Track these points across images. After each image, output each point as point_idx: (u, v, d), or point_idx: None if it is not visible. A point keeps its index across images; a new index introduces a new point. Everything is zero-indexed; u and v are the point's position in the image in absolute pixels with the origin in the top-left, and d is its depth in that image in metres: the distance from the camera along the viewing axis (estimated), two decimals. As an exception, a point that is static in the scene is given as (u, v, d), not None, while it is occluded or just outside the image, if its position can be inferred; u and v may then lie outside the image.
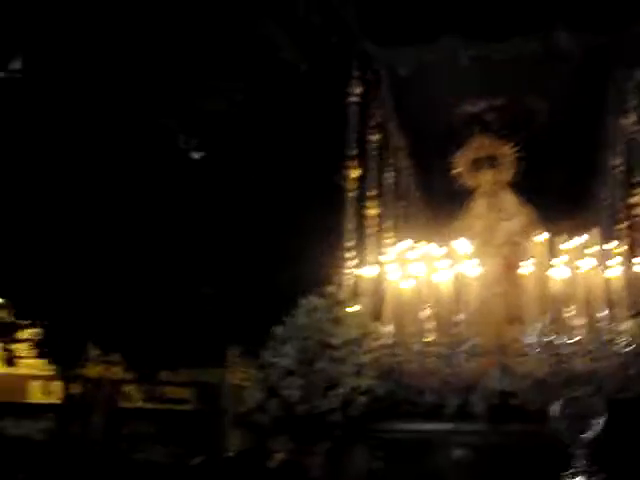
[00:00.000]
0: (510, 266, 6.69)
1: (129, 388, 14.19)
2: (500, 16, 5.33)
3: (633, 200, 5.52)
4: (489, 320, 6.34)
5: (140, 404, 14.34)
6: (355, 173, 5.44)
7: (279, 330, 4.84)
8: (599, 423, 3.50)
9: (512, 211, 6.69)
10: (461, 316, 5.11)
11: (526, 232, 6.71)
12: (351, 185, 5.42)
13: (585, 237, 5.87)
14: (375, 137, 6.07)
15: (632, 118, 5.73)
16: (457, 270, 5.43)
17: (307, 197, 7.25)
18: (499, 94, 6.72)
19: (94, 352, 11.93)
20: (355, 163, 5.46)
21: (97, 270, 8.59)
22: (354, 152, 5.48)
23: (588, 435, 3.46)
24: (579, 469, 3.48)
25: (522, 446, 4.31)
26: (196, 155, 7.91)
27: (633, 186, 5.57)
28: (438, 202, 7.15)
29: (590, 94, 6.35)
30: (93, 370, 13.02)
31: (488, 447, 4.38)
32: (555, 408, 3.62)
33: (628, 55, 5.65)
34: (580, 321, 5.04)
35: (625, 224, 6.17)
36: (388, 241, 6.48)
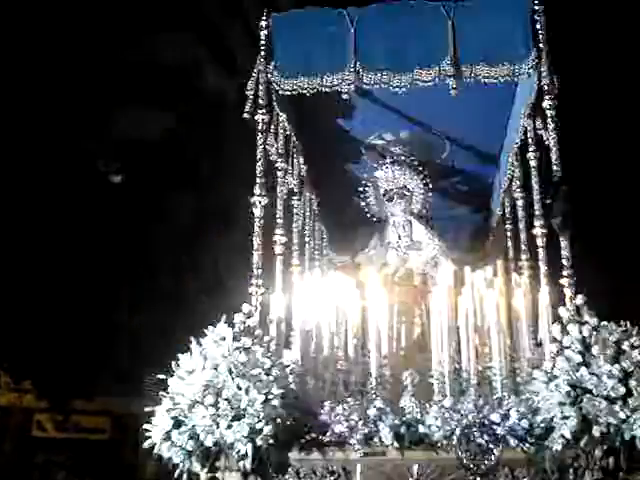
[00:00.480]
0: (419, 295, 6.85)
1: (41, 417, 13.70)
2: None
3: (534, 232, 5.66)
4: (398, 348, 6.47)
5: (53, 433, 13.86)
6: (262, 201, 5.40)
7: (186, 359, 4.74)
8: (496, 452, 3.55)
9: (422, 241, 6.81)
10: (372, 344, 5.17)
11: (435, 263, 6.91)
12: (259, 212, 5.37)
13: (489, 269, 6.08)
14: (282, 165, 6.07)
15: (533, 152, 5.89)
16: (365, 300, 5.49)
17: (219, 223, 7.19)
18: (405, 127, 6.86)
19: (5, 379, 11.49)
20: (262, 191, 5.42)
21: (7, 296, 8.27)
22: (261, 180, 5.45)
23: (486, 464, 3.50)
24: None
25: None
26: (116, 178, 7.76)
27: (534, 218, 5.71)
28: (347, 231, 7.23)
29: (490, 128, 6.56)
30: (4, 398, 12.52)
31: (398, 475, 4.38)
32: (455, 437, 3.65)
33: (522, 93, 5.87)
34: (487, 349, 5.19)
35: (526, 256, 6.37)
36: (296, 270, 6.50)
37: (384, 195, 6.93)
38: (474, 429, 4.36)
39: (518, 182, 6.49)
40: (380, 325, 5.22)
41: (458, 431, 4.42)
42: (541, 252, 5.62)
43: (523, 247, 6.36)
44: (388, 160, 6.88)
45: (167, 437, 4.47)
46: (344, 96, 5.66)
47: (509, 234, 6.98)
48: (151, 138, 7.30)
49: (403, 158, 6.90)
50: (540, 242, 5.66)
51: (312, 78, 5.53)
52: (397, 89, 5.47)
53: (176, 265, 7.90)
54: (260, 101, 5.55)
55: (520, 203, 6.46)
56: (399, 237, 6.87)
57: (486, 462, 3.51)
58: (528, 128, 5.81)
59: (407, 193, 6.89)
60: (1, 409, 12.90)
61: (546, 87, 5.34)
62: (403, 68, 5.52)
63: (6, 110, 7.39)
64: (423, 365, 6.13)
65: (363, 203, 6.96)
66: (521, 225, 6.47)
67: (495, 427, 4.39)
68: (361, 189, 6.94)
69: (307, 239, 6.88)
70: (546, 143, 5.30)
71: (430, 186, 6.88)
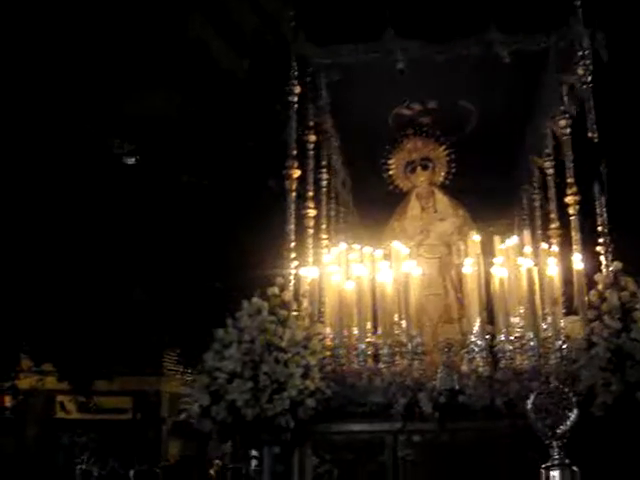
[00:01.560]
0: (444, 266, 6.81)
1: (64, 398, 13.73)
2: (437, 17, 5.37)
3: (567, 200, 5.62)
4: (425, 320, 6.44)
5: (76, 415, 13.91)
6: (295, 174, 5.36)
7: (221, 333, 4.72)
8: (571, 417, 3.53)
9: (446, 212, 6.76)
10: (402, 316, 5.14)
11: (460, 233, 6.85)
12: (291, 185, 5.34)
13: (516, 238, 6.03)
14: (311, 138, 6.02)
15: (563, 122, 5.83)
16: (397, 271, 5.44)
17: (247, 199, 7.15)
18: (433, 97, 6.80)
19: (26, 363, 11.52)
20: (295, 164, 5.38)
21: (26, 279, 8.25)
22: (294, 152, 5.41)
23: (561, 428, 3.49)
24: (555, 462, 3.50)
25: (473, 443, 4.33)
26: (130, 160, 7.72)
27: (567, 186, 5.66)
28: (372, 204, 7.18)
29: (521, 98, 6.47)
30: (26, 381, 12.56)
31: (438, 445, 4.38)
32: (529, 402, 3.64)
33: (558, 60, 5.78)
34: (520, 319, 5.15)
35: (556, 225, 6.32)
36: (325, 242, 6.48)
37: (407, 166, 6.88)
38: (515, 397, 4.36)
39: (547, 151, 6.46)
40: (412, 297, 5.19)
41: (499, 400, 4.42)
42: (574, 220, 5.62)
43: (552, 215, 6.33)
44: (411, 131, 6.83)
45: (206, 412, 4.46)
46: (399, 66, 5.58)
47: (536, 203, 6.95)
48: (165, 116, 7.25)
49: (426, 129, 6.86)
50: (572, 210, 5.66)
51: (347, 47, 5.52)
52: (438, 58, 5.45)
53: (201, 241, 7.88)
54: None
55: (550, 172, 6.42)
56: (422, 208, 6.83)
57: (562, 427, 3.49)
58: (562, 97, 5.78)
59: (430, 164, 6.85)
60: (23, 392, 12.96)
61: (582, 53, 5.32)
62: (445, 38, 5.46)
63: (18, 93, 7.34)
64: (449, 336, 6.20)
65: (386, 174, 6.93)
66: (550, 193, 6.45)
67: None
68: (385, 160, 6.89)
69: (333, 213, 6.86)
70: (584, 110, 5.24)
71: (453, 156, 6.83)
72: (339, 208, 6.99)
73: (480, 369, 4.72)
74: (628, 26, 6.00)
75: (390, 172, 6.94)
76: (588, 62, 5.40)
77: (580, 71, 5.39)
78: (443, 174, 6.88)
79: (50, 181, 7.74)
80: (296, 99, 5.55)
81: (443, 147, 6.84)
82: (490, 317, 5.36)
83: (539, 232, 6.82)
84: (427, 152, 6.85)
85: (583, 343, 4.43)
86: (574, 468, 3.53)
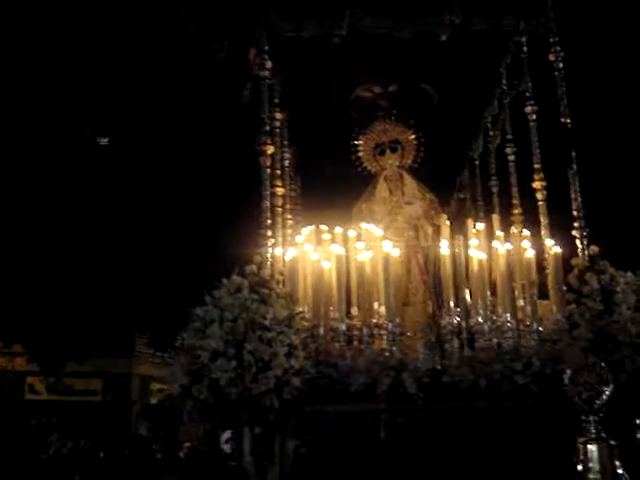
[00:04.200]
0: (411, 249, 6.81)
1: (33, 380, 13.41)
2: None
3: (535, 185, 5.69)
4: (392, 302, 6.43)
5: (46, 396, 13.58)
6: (269, 150, 5.25)
7: (201, 311, 4.59)
8: (607, 391, 3.56)
9: (414, 196, 6.75)
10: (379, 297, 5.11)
11: (427, 217, 6.87)
12: (265, 162, 5.22)
13: (481, 223, 6.08)
14: (278, 115, 5.92)
15: (529, 108, 5.89)
16: (373, 252, 5.41)
17: (221, 176, 6.99)
18: (393, 81, 6.79)
19: None
20: (268, 140, 5.27)
21: None
22: (267, 128, 5.30)
23: (597, 403, 3.51)
24: (592, 436, 3.52)
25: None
26: (103, 140, 7.45)
27: (534, 172, 5.73)
28: (338, 185, 7.12)
29: (482, 84, 6.52)
30: None
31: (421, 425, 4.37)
32: (566, 377, 3.65)
33: (526, 45, 5.84)
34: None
35: (519, 210, 6.39)
36: (290, 222, 6.41)
37: (376, 148, 6.85)
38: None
39: (509, 137, 6.52)
40: (386, 277, 5.16)
41: (483, 380, 4.44)
42: (541, 205, 5.70)
43: (515, 201, 6.39)
44: (381, 113, 6.80)
45: (187, 392, 4.33)
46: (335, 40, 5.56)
47: (494, 189, 7.01)
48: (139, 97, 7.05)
49: (395, 111, 6.84)
50: (540, 195, 5.73)
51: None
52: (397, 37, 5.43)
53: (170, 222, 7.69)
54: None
55: (512, 158, 6.48)
56: (390, 191, 6.81)
57: (598, 402, 3.51)
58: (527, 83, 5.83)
59: (399, 147, 6.83)
60: None
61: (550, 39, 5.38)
62: (405, 17, 5.45)
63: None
64: (415, 319, 6.22)
65: (354, 156, 6.89)
66: (512, 179, 6.51)
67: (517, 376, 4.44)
68: (353, 142, 6.84)
69: (294, 193, 6.79)
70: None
71: (422, 140, 6.83)
72: (302, 188, 6.93)
73: (463, 350, 4.75)
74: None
75: (359, 154, 6.93)
76: (559, 48, 5.47)
77: (551, 57, 5.44)
78: (411, 157, 6.89)
79: (21, 164, 7.44)
80: (267, 74, 5.44)
81: (412, 130, 6.86)
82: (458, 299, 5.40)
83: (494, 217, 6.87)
84: (396, 134, 6.84)
85: (564, 324, 4.49)
86: (612, 442, 3.56)
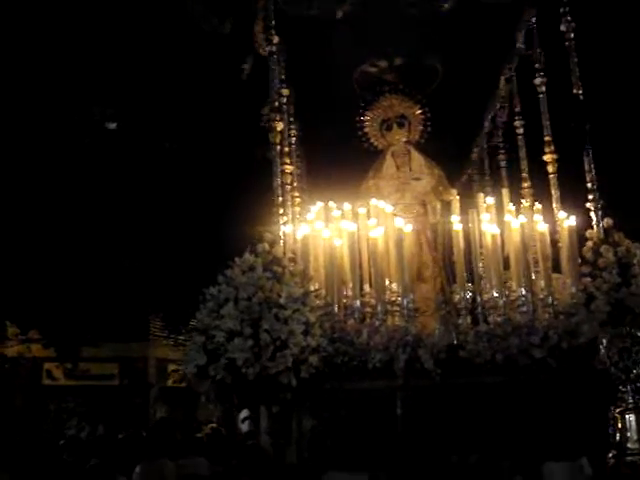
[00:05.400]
0: (420, 225, 6.76)
1: (51, 365, 13.48)
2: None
3: (546, 158, 5.65)
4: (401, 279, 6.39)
5: (63, 381, 13.65)
6: (279, 126, 5.19)
7: (214, 291, 4.55)
8: None
9: (421, 171, 6.69)
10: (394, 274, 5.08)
11: (435, 192, 6.82)
12: (275, 138, 5.16)
13: (490, 197, 6.03)
14: (284, 92, 5.84)
15: (538, 80, 5.83)
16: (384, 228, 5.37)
17: (231, 156, 6.93)
18: (399, 55, 6.70)
19: (12, 330, 11.18)
20: (277, 116, 5.21)
21: (12, 247, 7.86)
22: (275, 104, 5.23)
23: (634, 372, 3.50)
24: (630, 406, 3.51)
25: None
26: (111, 125, 7.39)
27: (545, 145, 5.68)
28: (346, 162, 7.06)
29: (493, 55, 6.45)
30: (12, 349, 12.21)
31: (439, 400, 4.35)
32: (602, 347, 3.63)
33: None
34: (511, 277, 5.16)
35: (528, 184, 6.35)
36: (297, 200, 6.36)
37: (383, 124, 6.78)
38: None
39: (517, 110, 6.46)
40: (400, 254, 5.12)
41: (499, 355, 4.42)
42: (553, 178, 5.66)
43: (524, 175, 6.35)
44: (387, 89, 6.73)
45: (202, 372, 4.31)
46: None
47: (502, 164, 6.96)
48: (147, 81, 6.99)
49: (401, 87, 6.77)
50: (551, 168, 5.70)
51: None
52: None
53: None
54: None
55: (520, 131, 6.42)
56: (398, 167, 6.75)
57: (635, 371, 3.50)
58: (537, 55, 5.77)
59: (406, 122, 6.77)
60: (10, 360, 12.66)
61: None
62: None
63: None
64: (426, 295, 6.20)
65: (361, 133, 6.82)
66: (522, 153, 6.45)
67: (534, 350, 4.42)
68: (359, 118, 6.78)
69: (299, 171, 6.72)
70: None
71: (429, 115, 6.77)
72: (310, 165, 6.86)
73: (477, 325, 4.73)
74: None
75: (365, 130, 6.86)
76: (570, 19, 5.41)
77: (562, 28, 5.38)
78: (419, 133, 6.82)
79: (33, 150, 7.39)
80: (275, 49, 5.36)
81: (419, 105, 6.80)
82: (470, 275, 5.37)
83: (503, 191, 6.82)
84: (403, 110, 6.76)
85: (581, 297, 4.46)
86: None
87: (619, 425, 3.44)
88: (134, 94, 7.15)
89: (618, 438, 3.43)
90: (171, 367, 13.69)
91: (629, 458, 3.36)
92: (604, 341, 3.63)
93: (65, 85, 7.16)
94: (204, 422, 9.29)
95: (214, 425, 8.53)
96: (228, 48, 5.86)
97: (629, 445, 3.40)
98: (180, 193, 7.79)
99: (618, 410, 3.51)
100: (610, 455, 3.44)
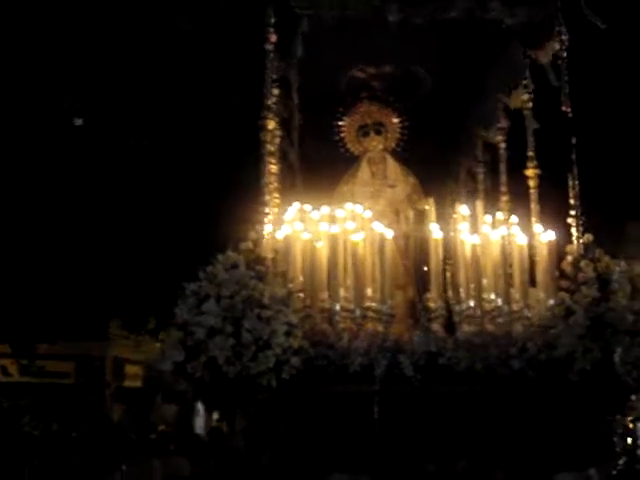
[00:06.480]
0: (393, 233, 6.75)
1: (6, 361, 13.14)
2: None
3: (528, 173, 5.73)
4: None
5: (18, 378, 13.31)
6: (270, 125, 5.14)
7: (195, 287, 4.47)
8: None
9: (396, 179, 6.70)
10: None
11: (410, 201, 6.84)
12: (266, 137, 5.11)
13: (465, 207, 6.07)
14: (275, 92, 5.77)
15: (524, 95, 5.91)
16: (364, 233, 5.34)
17: (205, 151, 6.82)
18: (387, 62, 6.71)
19: None
20: (270, 115, 5.16)
21: None
22: (270, 102, 5.18)
23: None
24: None
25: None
26: (78, 121, 7.22)
27: (528, 159, 5.77)
28: (322, 166, 7.02)
29: (476, 71, 6.50)
30: None
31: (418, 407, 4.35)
32: (616, 355, 3.65)
33: (529, 33, 5.83)
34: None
35: (505, 198, 6.42)
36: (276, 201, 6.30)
37: (360, 129, 6.78)
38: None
39: (500, 125, 6.53)
40: (381, 258, 5.12)
41: (479, 364, 4.44)
42: (533, 192, 5.74)
43: (503, 188, 6.42)
44: (366, 94, 6.73)
45: (179, 369, 4.22)
46: None
47: (480, 176, 7.01)
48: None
49: (380, 94, 6.77)
50: (532, 183, 5.78)
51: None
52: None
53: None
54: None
55: (502, 145, 6.50)
56: (373, 173, 6.75)
57: None
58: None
59: (383, 129, 6.77)
60: None
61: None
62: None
63: None
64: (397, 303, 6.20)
65: (338, 137, 6.80)
66: (502, 167, 6.52)
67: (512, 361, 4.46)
68: (337, 122, 6.76)
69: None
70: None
71: (407, 123, 6.79)
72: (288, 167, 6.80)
73: (452, 334, 4.74)
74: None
75: (342, 135, 6.85)
76: (564, 37, 5.49)
77: (556, 45, 5.46)
78: (395, 140, 6.83)
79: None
80: (272, 47, 5.32)
81: (397, 113, 6.81)
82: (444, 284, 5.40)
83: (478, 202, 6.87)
84: (381, 117, 6.76)
85: (560, 311, 4.51)
86: None
87: (631, 433, 3.49)
88: (110, 85, 7.01)
89: (630, 445, 3.48)
90: (129, 367, 13.54)
91: (640, 465, 3.42)
92: (618, 350, 3.67)
93: (33, 78, 6.98)
94: (159, 423, 9.17)
95: (164, 427, 8.41)
96: (212, 41, 5.79)
97: (640, 452, 3.46)
98: (149, 192, 7.64)
99: (630, 418, 3.56)
100: (621, 462, 3.49)
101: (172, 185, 7.51)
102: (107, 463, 5.36)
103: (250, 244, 4.66)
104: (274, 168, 5.51)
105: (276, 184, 6.11)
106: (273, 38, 5.29)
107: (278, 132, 6.29)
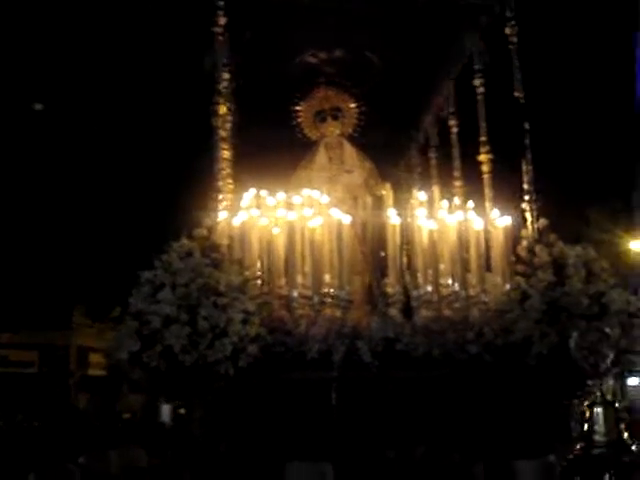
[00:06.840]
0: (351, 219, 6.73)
1: None
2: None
3: (481, 158, 5.74)
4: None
5: None
6: (222, 110, 5.05)
7: (150, 275, 4.38)
8: (610, 355, 3.58)
9: (353, 164, 6.67)
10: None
11: (366, 186, 6.82)
12: (218, 122, 5.02)
13: (422, 193, 6.07)
14: (225, 76, 5.68)
15: (477, 81, 5.91)
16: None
17: (169, 139, 6.68)
18: (339, 47, 6.66)
19: None
20: (221, 100, 5.07)
21: None
22: (221, 87, 5.09)
23: (602, 367, 3.54)
24: (598, 399, 3.55)
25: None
26: (38, 106, 7.02)
27: (480, 145, 5.77)
28: (278, 151, 6.95)
29: (428, 56, 6.48)
30: None
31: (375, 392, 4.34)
32: (572, 340, 3.65)
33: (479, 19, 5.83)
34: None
35: (459, 183, 6.44)
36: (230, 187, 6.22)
37: (317, 115, 6.72)
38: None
39: (451, 110, 6.54)
40: (339, 245, 5.08)
41: (436, 350, 4.45)
42: (487, 177, 5.76)
43: (456, 173, 6.43)
44: (323, 80, 6.67)
45: (135, 359, 4.14)
46: None
47: (433, 162, 7.04)
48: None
49: (337, 80, 6.72)
50: (486, 168, 5.79)
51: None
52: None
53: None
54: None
55: (455, 130, 6.50)
56: (330, 159, 6.71)
57: (603, 366, 3.53)
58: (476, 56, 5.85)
59: (340, 114, 6.73)
60: None
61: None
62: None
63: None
64: (355, 289, 6.18)
65: (295, 122, 6.74)
66: (454, 152, 6.53)
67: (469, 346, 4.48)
68: (294, 108, 6.69)
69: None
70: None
71: (364, 109, 6.75)
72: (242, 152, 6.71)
73: (410, 319, 4.74)
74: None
75: (299, 120, 6.78)
76: (514, 23, 5.51)
77: (507, 30, 5.47)
78: (352, 126, 6.79)
79: None
80: (221, 30, 5.22)
81: (354, 98, 6.77)
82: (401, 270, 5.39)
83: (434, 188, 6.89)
84: (338, 102, 6.72)
85: (517, 295, 4.53)
86: (616, 405, 3.63)
87: (587, 417, 3.53)
88: (69, 73, 6.83)
89: (587, 431, 3.52)
90: (93, 356, 13.36)
91: (596, 450, 3.45)
92: (574, 335, 3.69)
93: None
94: (124, 411, 9.08)
95: (129, 416, 8.32)
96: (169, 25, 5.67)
97: (597, 438, 3.49)
98: (109, 179, 7.50)
99: (587, 403, 3.60)
100: (578, 447, 3.53)
101: (129, 172, 7.38)
102: (66, 453, 5.26)
103: (205, 231, 4.58)
104: (227, 154, 5.43)
105: (229, 170, 6.12)
106: (223, 21, 5.18)
107: (229, 117, 6.29)
